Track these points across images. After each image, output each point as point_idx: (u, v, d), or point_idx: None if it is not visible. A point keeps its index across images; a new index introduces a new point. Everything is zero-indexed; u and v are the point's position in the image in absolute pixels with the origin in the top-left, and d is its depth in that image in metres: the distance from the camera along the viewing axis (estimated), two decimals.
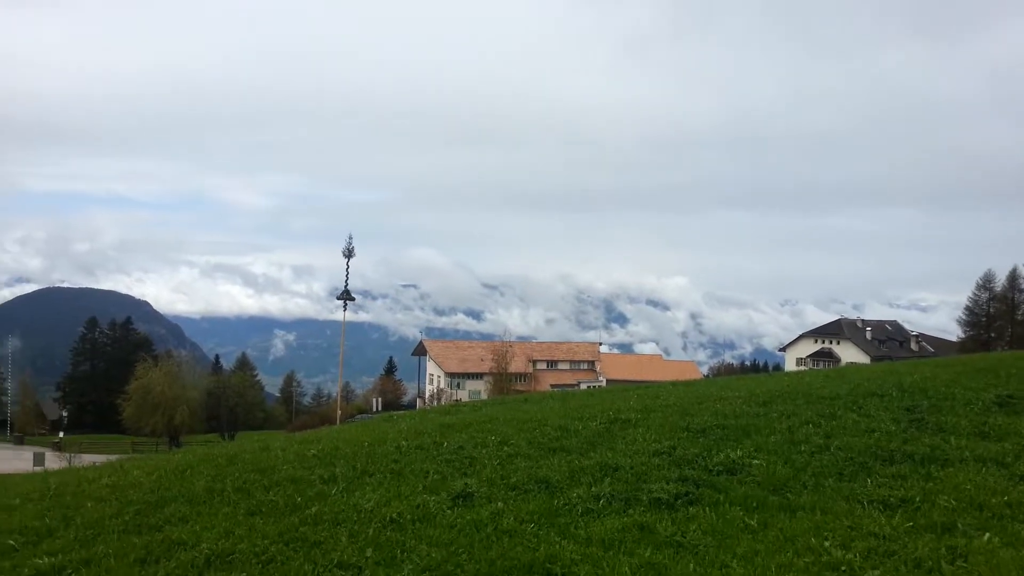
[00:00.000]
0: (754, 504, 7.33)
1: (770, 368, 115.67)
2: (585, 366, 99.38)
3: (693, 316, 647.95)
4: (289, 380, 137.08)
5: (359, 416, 77.68)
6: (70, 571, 6.38)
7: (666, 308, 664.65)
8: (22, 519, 8.20)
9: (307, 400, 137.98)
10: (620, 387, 22.97)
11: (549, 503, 7.64)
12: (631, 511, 7.30)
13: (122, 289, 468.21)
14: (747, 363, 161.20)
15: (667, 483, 8.00)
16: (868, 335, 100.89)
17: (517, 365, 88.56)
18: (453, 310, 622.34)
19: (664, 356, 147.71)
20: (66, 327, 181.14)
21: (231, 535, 7.02)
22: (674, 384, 21.93)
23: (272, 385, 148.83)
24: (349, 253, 44.83)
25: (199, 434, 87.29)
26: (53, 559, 6.63)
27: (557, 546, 6.44)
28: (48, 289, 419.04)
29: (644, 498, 7.60)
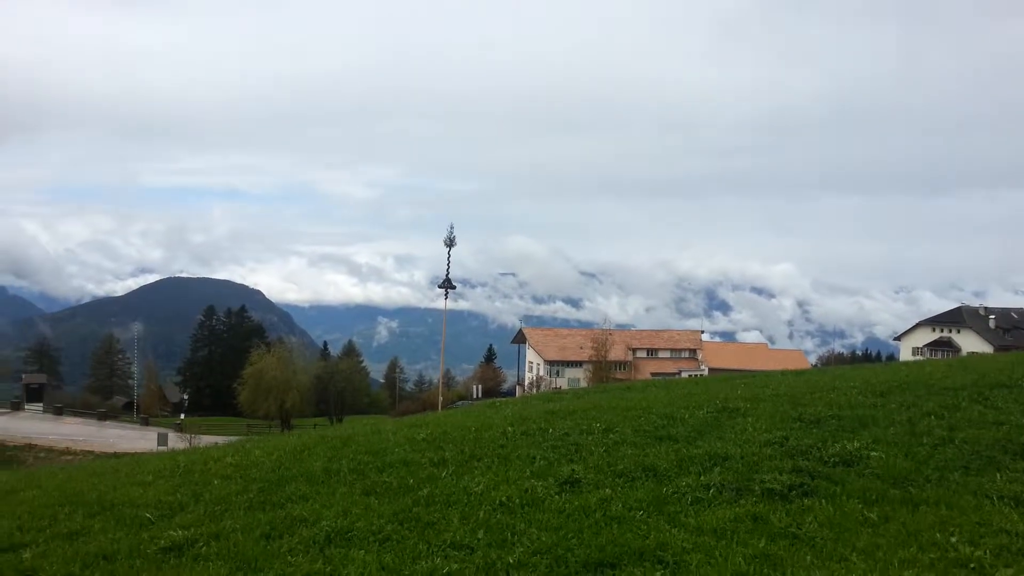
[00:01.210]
0: (873, 497, 7.06)
1: (883, 358, 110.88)
2: (686, 355, 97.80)
3: (800, 304, 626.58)
4: (392, 366, 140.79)
5: (459, 402, 79.20)
6: (201, 544, 6.75)
7: (771, 295, 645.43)
8: (156, 494, 8.74)
9: (409, 386, 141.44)
10: (724, 376, 22.52)
11: (657, 491, 7.58)
12: (742, 501, 7.16)
13: (236, 279, 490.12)
14: (858, 352, 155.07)
15: (780, 474, 7.80)
16: (992, 323, 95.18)
17: (616, 353, 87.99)
18: (551, 298, 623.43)
19: (769, 345, 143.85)
20: (186, 315, 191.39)
21: (349, 514, 7.29)
22: (783, 373, 21.32)
23: (376, 371, 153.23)
24: (450, 242, 45.49)
25: (308, 418, 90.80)
26: (186, 532, 7.05)
27: (667, 534, 6.39)
28: (169, 279, 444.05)
29: (756, 488, 7.44)
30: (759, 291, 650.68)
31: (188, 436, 66.32)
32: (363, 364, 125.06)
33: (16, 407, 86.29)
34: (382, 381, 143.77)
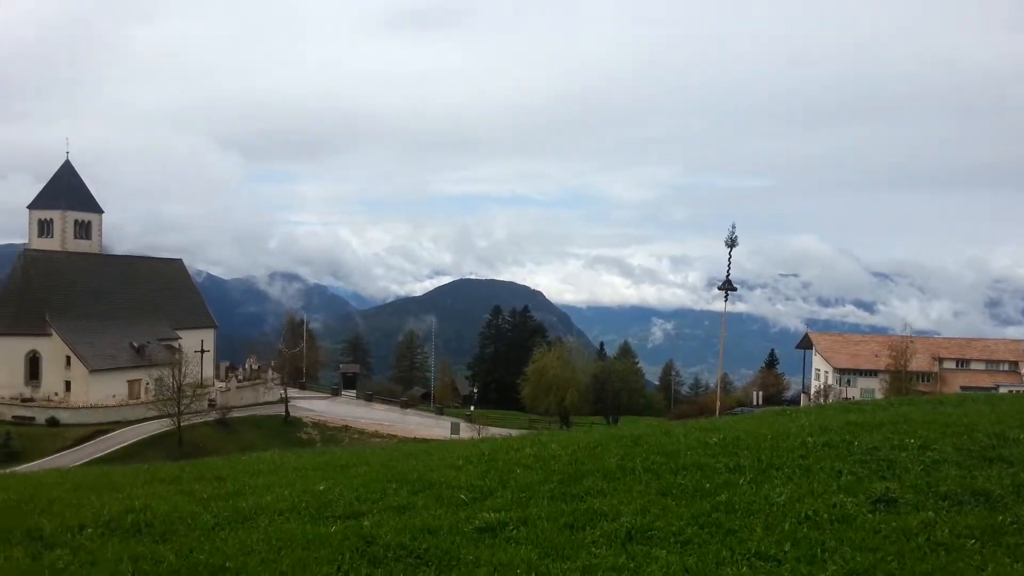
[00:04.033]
0: None
1: None
2: (1005, 367, 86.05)
3: None
4: (668, 369, 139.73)
5: (738, 408, 76.54)
6: (511, 528, 7.20)
7: None
8: (467, 478, 9.47)
9: (684, 389, 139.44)
10: None
11: (990, 519, 6.78)
12: None
13: (519, 280, 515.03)
14: None
15: None
16: None
17: (919, 363, 79.82)
18: (839, 301, 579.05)
19: None
20: (474, 313, 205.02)
21: (647, 512, 7.38)
22: None
23: (651, 373, 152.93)
24: (732, 242, 44.03)
25: (586, 416, 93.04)
26: (497, 515, 7.56)
27: (1008, 568, 5.69)
28: (459, 280, 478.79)
29: None
30: None
31: (477, 426, 71.22)
32: (638, 365, 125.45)
33: (335, 393, 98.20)
34: (656, 383, 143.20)
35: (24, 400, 70.02)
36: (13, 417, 66.84)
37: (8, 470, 27.38)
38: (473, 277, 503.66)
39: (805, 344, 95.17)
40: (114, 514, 8.25)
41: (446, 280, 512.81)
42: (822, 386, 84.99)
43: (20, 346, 72.73)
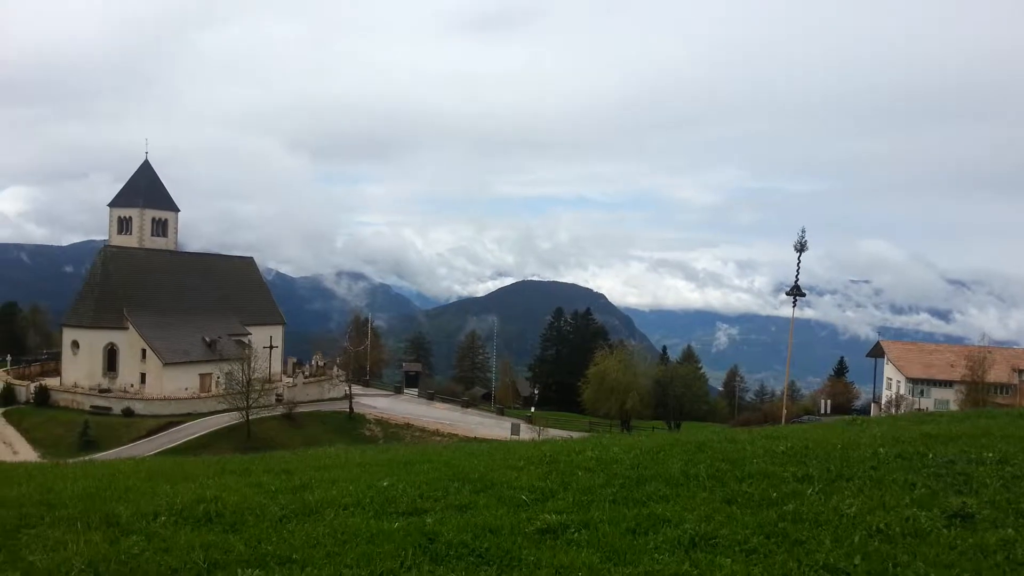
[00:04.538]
0: None
1: None
2: None
3: None
4: (732, 374, 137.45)
5: (804, 417, 74.72)
6: (573, 530, 7.18)
7: None
8: (528, 479, 9.48)
9: (749, 396, 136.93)
10: None
11: None
12: None
13: (581, 282, 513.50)
14: None
15: None
16: None
17: (996, 374, 76.53)
18: (913, 309, 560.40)
19: None
20: (536, 315, 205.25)
21: (711, 519, 7.26)
22: None
23: (714, 379, 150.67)
24: (801, 247, 43.18)
25: (646, 420, 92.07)
26: (558, 517, 7.54)
27: None
28: (522, 282, 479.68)
29: None
30: None
31: (537, 428, 71.23)
32: (701, 370, 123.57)
33: (398, 391, 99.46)
34: (720, 389, 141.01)
35: (102, 391, 72.89)
36: (92, 407, 69.66)
37: (87, 457, 28.54)
38: (535, 279, 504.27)
39: (876, 352, 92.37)
40: (186, 503, 8.51)
41: (508, 281, 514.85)
42: (894, 396, 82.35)
43: (99, 339, 75.74)
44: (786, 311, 46.94)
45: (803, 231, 43.12)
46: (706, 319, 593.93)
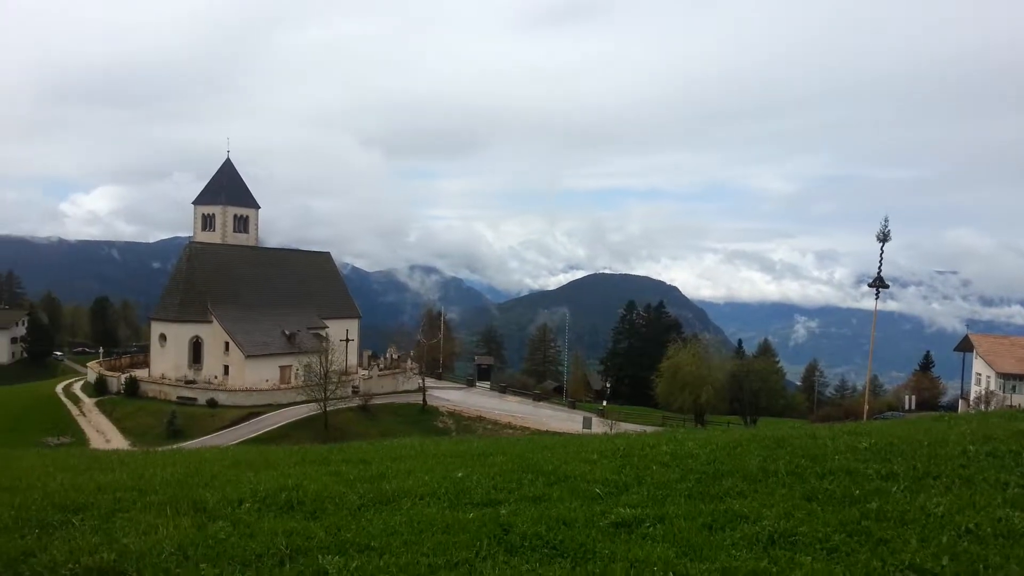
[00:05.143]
0: None
1: None
2: None
3: None
4: (811, 369, 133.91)
5: (888, 413, 72.34)
6: (648, 524, 7.11)
7: None
8: (602, 472, 9.44)
9: (829, 391, 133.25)
10: None
11: None
12: None
13: (653, 275, 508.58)
14: None
15: None
16: None
17: None
18: (1004, 300, 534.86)
19: None
20: (608, 308, 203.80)
21: (791, 516, 7.10)
22: None
23: (792, 373, 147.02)
24: (884, 237, 41.68)
25: (721, 415, 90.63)
26: (633, 511, 7.49)
27: None
28: (594, 275, 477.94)
29: None
30: None
31: (609, 422, 70.88)
32: (779, 364, 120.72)
33: (470, 384, 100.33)
34: (798, 384, 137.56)
35: (188, 382, 75.77)
36: (178, 397, 72.51)
37: (175, 446, 29.74)
38: (607, 272, 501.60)
39: (965, 346, 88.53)
40: (269, 491, 8.78)
41: (580, 274, 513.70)
42: (983, 392, 78.87)
43: (185, 332, 78.74)
44: (868, 303, 45.58)
45: (886, 220, 41.62)
46: (783, 312, 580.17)
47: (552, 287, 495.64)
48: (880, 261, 42.30)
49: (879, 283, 43.10)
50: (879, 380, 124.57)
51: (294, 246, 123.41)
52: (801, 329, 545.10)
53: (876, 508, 7.26)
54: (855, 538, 6.53)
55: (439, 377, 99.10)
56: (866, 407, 53.94)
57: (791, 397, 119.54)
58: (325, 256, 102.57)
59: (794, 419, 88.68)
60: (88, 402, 74.59)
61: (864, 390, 72.65)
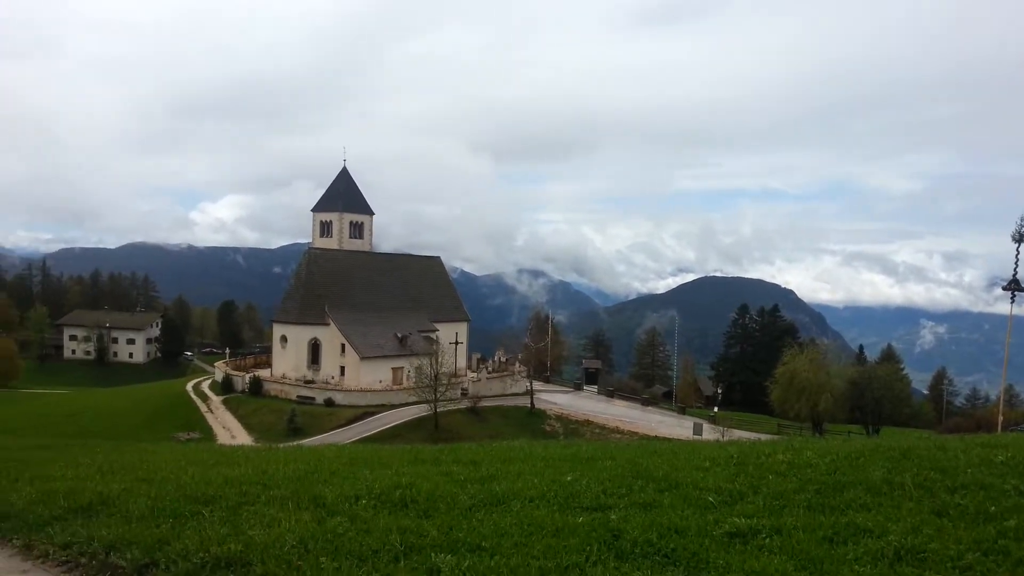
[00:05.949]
0: None
1: None
2: None
3: None
4: (939, 377, 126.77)
5: None
6: (764, 535, 6.88)
7: None
8: (715, 480, 9.21)
9: (959, 400, 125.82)
10: None
11: None
12: None
13: (766, 278, 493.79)
14: None
15: None
16: None
17: None
18: None
19: None
20: (719, 312, 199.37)
21: (919, 532, 6.73)
22: None
23: (918, 381, 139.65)
24: (1020, 236, 38.93)
25: (841, 424, 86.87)
26: (748, 521, 7.26)
27: None
28: (704, 278, 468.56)
29: None
30: None
31: (721, 428, 69.21)
32: (903, 372, 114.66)
33: (577, 387, 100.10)
34: (925, 392, 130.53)
35: (307, 382, 78.94)
36: (298, 397, 75.63)
37: (295, 443, 31.02)
38: (718, 275, 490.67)
39: None
40: (384, 488, 9.03)
41: (690, 277, 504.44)
42: None
43: (305, 334, 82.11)
44: (1002, 307, 42.63)
45: (1021, 219, 38.86)
46: (908, 316, 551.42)
47: (661, 290, 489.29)
48: (1016, 262, 39.58)
49: (1014, 286, 40.31)
50: (1015, 389, 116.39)
51: (406, 251, 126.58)
52: (928, 335, 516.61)
53: (1015, 526, 6.78)
54: (991, 557, 6.13)
55: (547, 380, 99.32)
56: (1000, 418, 50.72)
57: (917, 406, 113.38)
58: (435, 261, 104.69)
59: (920, 429, 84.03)
60: (215, 400, 78.89)
61: (998, 400, 68.16)
